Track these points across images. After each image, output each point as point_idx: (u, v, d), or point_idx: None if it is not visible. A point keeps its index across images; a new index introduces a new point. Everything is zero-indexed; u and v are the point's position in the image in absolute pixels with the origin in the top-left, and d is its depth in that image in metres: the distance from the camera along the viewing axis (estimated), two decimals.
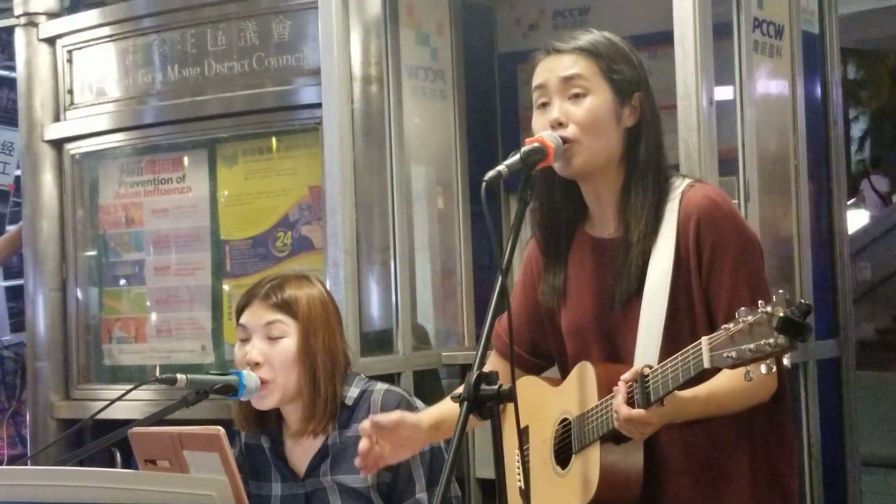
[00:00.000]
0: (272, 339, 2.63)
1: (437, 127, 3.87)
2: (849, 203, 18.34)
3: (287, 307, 2.64)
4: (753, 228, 2.50)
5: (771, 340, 1.82)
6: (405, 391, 2.75)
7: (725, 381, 2.13)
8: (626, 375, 2.10)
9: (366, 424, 2.37)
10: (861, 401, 3.58)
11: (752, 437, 2.29)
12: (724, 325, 1.91)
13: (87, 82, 4.14)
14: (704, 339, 1.96)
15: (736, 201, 3.01)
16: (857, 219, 15.42)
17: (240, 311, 2.70)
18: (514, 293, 2.55)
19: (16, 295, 4.76)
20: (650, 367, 2.09)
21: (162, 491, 1.91)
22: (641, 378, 2.08)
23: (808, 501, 3.33)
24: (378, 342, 3.52)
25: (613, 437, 2.18)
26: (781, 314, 1.81)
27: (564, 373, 2.42)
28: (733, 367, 1.90)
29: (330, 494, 2.64)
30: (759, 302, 1.86)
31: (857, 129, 23.74)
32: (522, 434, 2.34)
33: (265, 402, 2.64)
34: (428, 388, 3.63)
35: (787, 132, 3.33)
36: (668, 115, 2.82)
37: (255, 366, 2.61)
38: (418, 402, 2.69)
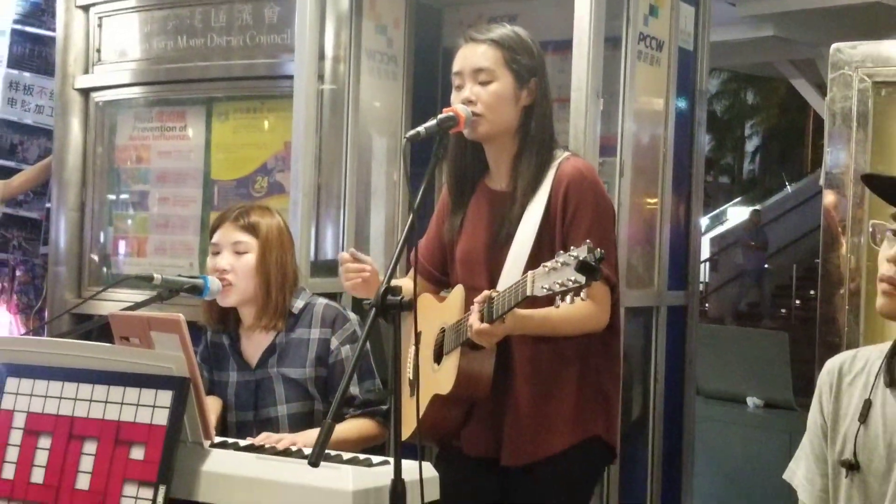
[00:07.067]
0: (238, 253, 2.67)
1: (388, 102, 3.87)
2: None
3: (251, 229, 2.67)
4: (612, 199, 2.58)
5: (572, 277, 1.91)
6: (341, 306, 2.79)
7: (561, 308, 2.23)
8: (479, 298, 2.19)
9: (345, 253, 2.47)
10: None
11: (586, 356, 2.38)
12: (544, 263, 1.99)
13: (113, 44, 4.13)
14: (530, 273, 2.04)
15: (608, 178, 3.07)
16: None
17: (213, 230, 2.73)
18: (431, 226, 2.64)
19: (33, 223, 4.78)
20: (497, 292, 2.17)
21: (132, 361, 1.99)
22: (489, 300, 2.17)
23: (651, 422, 3.38)
24: (327, 268, 3.55)
25: (472, 345, 2.26)
26: (581, 258, 1.89)
27: None
28: (546, 296, 1.98)
29: (275, 382, 2.69)
30: (571, 247, 1.94)
31: (751, 145, 24.08)
32: (418, 337, 2.44)
33: (227, 301, 2.69)
34: (364, 307, 3.65)
35: (660, 125, 3.39)
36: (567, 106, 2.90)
37: (223, 272, 2.65)
38: (351, 315, 2.74)
